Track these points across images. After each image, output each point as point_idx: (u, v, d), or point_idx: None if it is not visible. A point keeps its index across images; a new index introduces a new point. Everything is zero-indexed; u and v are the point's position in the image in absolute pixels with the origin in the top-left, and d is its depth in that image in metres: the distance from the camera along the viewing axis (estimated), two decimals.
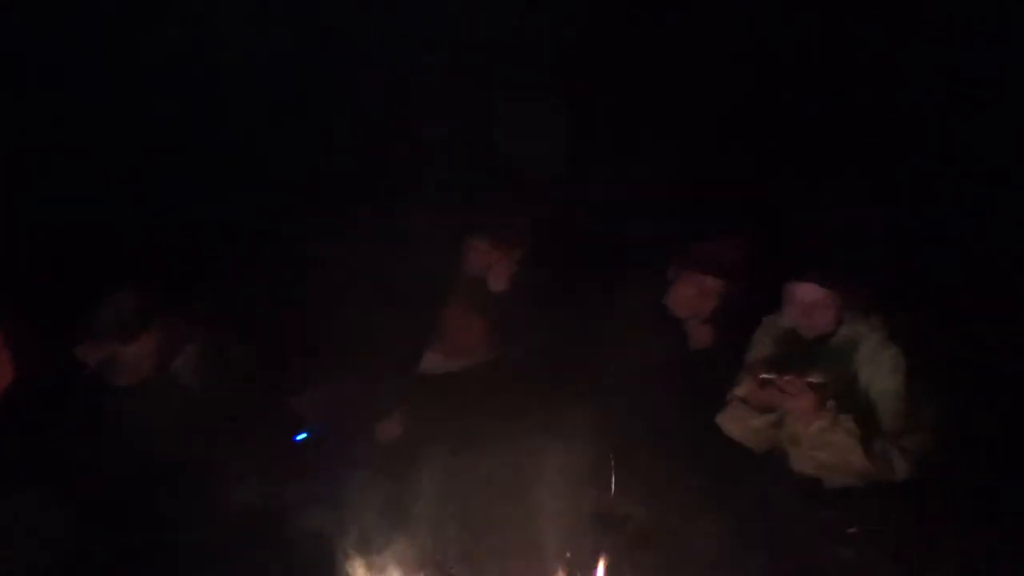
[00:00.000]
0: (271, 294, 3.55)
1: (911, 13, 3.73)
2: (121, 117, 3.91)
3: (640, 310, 3.31)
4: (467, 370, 3.48)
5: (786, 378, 2.81)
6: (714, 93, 3.71)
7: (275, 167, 3.97)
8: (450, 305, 3.50)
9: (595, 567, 2.79)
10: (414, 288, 3.45)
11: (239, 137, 3.95)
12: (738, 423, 3.00)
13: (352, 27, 4.01)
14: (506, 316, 3.42)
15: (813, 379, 2.81)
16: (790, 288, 2.97)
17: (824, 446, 2.82)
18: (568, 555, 2.79)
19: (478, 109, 3.90)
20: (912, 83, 3.76)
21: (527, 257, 3.46)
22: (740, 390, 3.01)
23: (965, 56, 3.69)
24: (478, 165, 3.84)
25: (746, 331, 3.15)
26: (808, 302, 2.93)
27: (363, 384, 3.33)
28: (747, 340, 3.13)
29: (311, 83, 4.06)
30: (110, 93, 3.93)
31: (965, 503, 2.85)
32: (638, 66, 3.89)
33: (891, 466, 2.78)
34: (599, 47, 3.95)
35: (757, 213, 3.60)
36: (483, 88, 3.92)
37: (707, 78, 3.72)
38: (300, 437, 3.26)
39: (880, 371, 2.86)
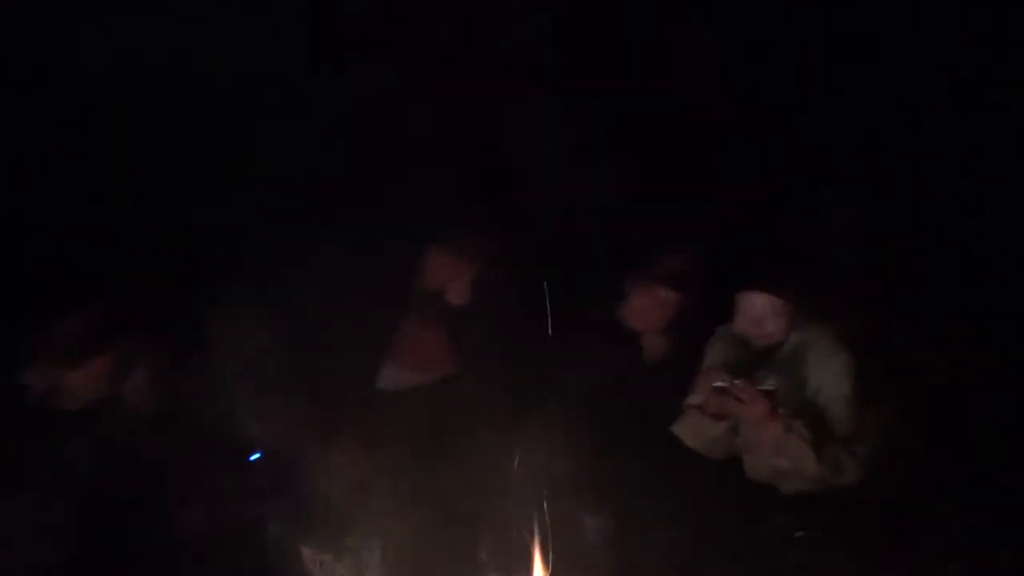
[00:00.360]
0: (224, 314, 3.44)
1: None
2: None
3: (598, 323, 3.34)
4: (426, 385, 3.44)
5: (739, 385, 2.80)
6: (678, 100, 3.76)
7: (225, 179, 3.94)
8: (409, 319, 3.44)
9: None
10: (373, 302, 3.41)
11: (188, 148, 3.96)
12: (693, 432, 3.00)
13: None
14: (466, 330, 3.39)
15: (765, 386, 2.81)
16: (740, 298, 2.96)
17: (778, 452, 2.82)
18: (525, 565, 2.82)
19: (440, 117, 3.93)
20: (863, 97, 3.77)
21: (486, 270, 3.42)
22: (694, 399, 3.00)
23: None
24: (438, 177, 3.80)
25: (700, 341, 3.14)
26: (759, 311, 2.92)
27: (319, 402, 3.27)
28: (701, 350, 3.13)
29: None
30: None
31: (915, 506, 2.85)
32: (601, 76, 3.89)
33: (843, 470, 2.77)
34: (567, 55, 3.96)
35: (708, 222, 3.57)
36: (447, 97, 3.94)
37: (672, 84, 3.74)
38: (254, 457, 3.24)
39: (830, 376, 2.85)
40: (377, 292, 3.40)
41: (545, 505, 2.91)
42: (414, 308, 3.45)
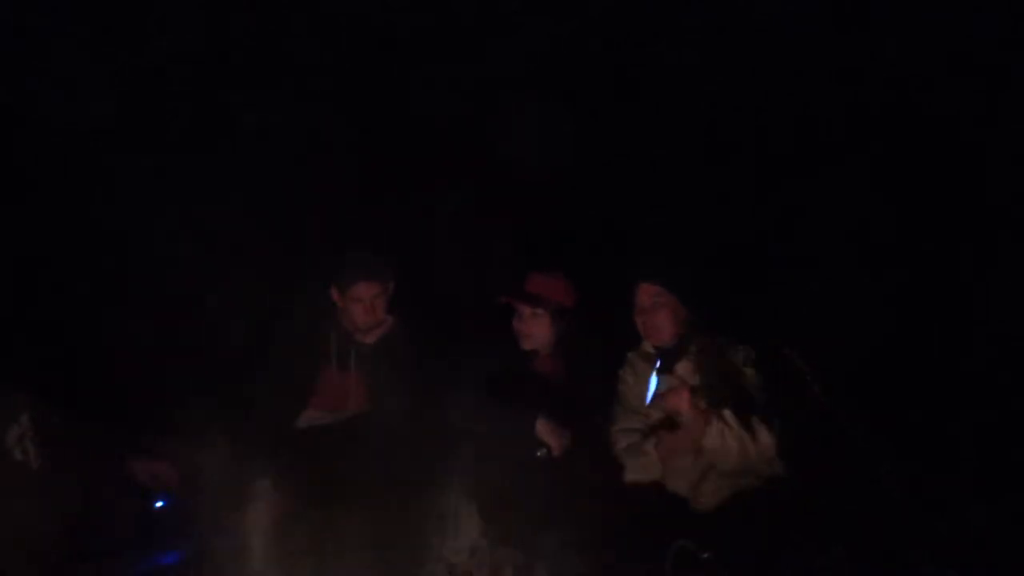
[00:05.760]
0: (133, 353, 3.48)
1: None
2: None
3: (507, 358, 3.37)
4: (339, 423, 3.38)
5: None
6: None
7: (136, 216, 3.81)
8: (323, 361, 3.41)
9: None
10: (288, 346, 3.39)
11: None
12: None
13: None
14: (378, 369, 3.37)
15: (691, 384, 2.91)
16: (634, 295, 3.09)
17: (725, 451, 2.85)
18: None
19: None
20: None
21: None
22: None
23: None
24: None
25: (607, 368, 3.22)
26: (647, 302, 3.04)
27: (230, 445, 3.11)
28: (607, 376, 3.20)
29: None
30: None
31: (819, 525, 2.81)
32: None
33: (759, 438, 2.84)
34: None
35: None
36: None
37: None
38: (159, 504, 3.07)
39: (736, 364, 2.98)
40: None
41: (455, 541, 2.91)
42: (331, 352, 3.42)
